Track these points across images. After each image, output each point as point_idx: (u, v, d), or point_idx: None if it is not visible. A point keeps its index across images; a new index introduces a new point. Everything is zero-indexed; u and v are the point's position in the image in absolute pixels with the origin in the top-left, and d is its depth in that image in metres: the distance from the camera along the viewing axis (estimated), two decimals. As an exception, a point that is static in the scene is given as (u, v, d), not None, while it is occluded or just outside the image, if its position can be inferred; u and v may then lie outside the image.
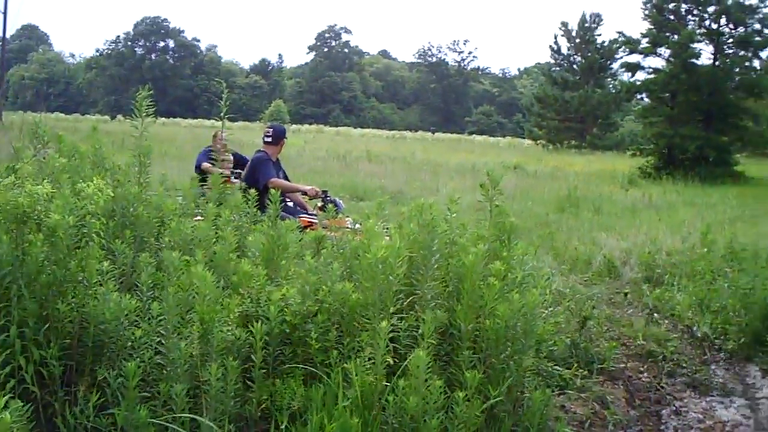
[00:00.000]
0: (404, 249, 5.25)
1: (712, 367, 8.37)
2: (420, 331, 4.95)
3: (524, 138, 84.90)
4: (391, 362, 4.95)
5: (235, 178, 10.37)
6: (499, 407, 5.27)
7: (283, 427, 4.81)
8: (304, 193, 10.27)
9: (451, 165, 34.12)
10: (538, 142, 73.72)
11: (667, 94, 46.38)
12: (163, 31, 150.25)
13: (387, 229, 6.25)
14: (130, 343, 4.75)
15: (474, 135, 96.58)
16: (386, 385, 4.85)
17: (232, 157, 12.29)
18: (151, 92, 6.37)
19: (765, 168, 44.23)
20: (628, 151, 51.34)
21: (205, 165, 12.30)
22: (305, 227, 8.49)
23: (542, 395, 5.31)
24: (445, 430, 4.78)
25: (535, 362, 6.03)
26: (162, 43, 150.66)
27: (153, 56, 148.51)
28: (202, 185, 9.79)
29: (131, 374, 4.44)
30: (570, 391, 7.04)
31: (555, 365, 7.34)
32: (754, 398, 7.83)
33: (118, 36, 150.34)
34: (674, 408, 7.34)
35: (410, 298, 5.38)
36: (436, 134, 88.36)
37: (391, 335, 4.94)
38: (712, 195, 27.56)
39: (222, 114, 8.22)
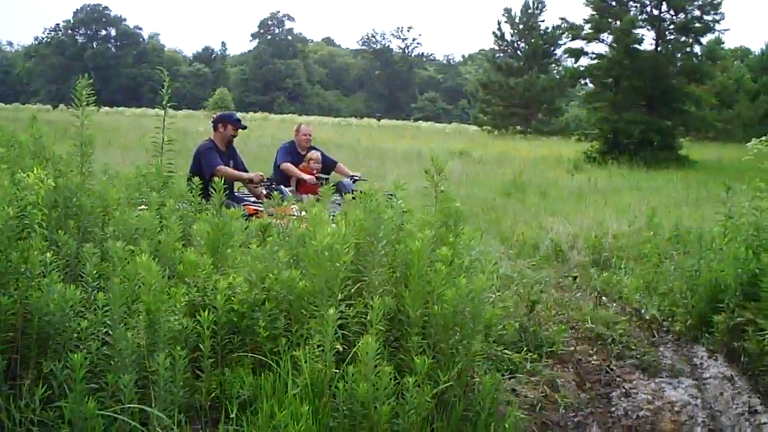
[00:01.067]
0: (350, 236, 5.25)
1: (661, 348, 8.45)
2: (368, 317, 4.95)
3: (470, 124, 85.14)
4: (341, 349, 4.94)
5: (323, 184, 10.02)
6: (450, 392, 5.27)
7: (233, 415, 4.78)
8: (250, 180, 10.22)
9: (397, 151, 34.15)
10: (484, 128, 73.95)
11: (611, 80, 46.72)
12: (104, 19, 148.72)
13: (333, 216, 6.24)
14: (75, 335, 4.70)
15: (420, 121, 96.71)
16: (336, 372, 4.85)
17: (319, 155, 12.18)
18: (91, 81, 6.31)
19: (708, 152, 44.76)
20: (573, 136, 51.81)
21: (285, 165, 11.83)
22: (251, 215, 8.45)
23: (492, 379, 5.32)
24: (396, 416, 4.78)
25: (484, 347, 6.05)
26: (103, 32, 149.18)
27: (94, 45, 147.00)
28: (272, 188, 9.81)
29: (78, 366, 4.38)
30: (520, 375, 7.06)
31: (504, 349, 7.36)
32: (701, 378, 7.92)
33: (58, 24, 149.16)
34: (624, 390, 7.40)
35: (358, 285, 5.37)
36: (381, 121, 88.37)
37: (339, 322, 4.94)
38: (657, 179, 27.82)
39: (164, 102, 8.13)
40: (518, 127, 72.26)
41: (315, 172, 11.78)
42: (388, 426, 4.71)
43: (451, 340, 5.29)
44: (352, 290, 5.30)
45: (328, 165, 12.45)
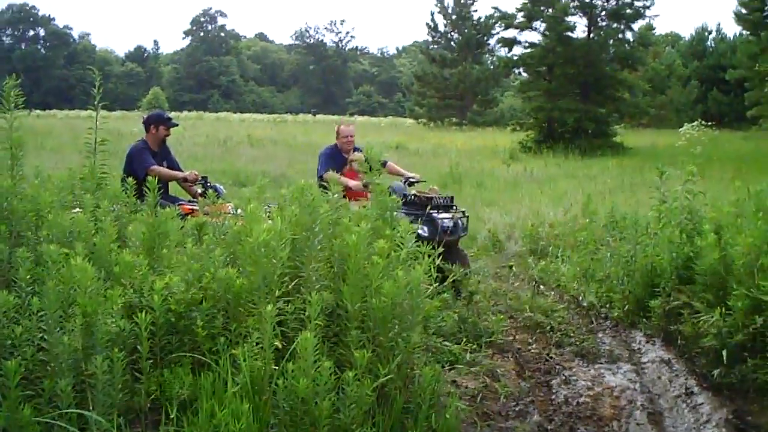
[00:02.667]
0: (286, 231, 5.25)
1: (599, 335, 8.56)
2: (307, 313, 4.95)
3: (405, 117, 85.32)
4: (280, 346, 4.94)
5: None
6: (390, 385, 5.29)
7: (173, 416, 4.76)
8: (185, 179, 10.14)
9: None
10: (420, 120, 74.09)
11: (545, 68, 47.17)
12: (32, 19, 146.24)
13: (269, 212, 6.23)
14: (9, 341, 4.64)
15: (355, 116, 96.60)
16: (275, 370, 4.85)
17: (362, 156, 10.54)
18: (19, 81, 6.24)
19: (642, 138, 45.31)
20: (509, 126, 52.01)
21: (329, 175, 10.14)
22: (186, 214, 8.40)
23: (432, 371, 5.34)
24: (337, 410, 4.79)
25: (423, 339, 6.08)
26: (32, 32, 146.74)
27: (23, 46, 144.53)
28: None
29: (12, 373, 4.33)
30: (460, 366, 7.12)
31: (444, 341, 7.41)
32: (639, 363, 8.03)
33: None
34: (564, 377, 7.49)
35: (295, 281, 5.38)
36: (317, 116, 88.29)
37: (278, 319, 4.94)
38: (592, 166, 28.11)
39: (96, 103, 8.07)
40: (454, 119, 72.47)
41: (361, 175, 10.69)
42: (330, 421, 4.71)
43: (391, 333, 5.31)
44: (290, 286, 5.30)
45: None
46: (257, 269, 5.03)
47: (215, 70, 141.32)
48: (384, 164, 10.09)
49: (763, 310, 7.22)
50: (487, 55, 79.15)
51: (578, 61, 44.30)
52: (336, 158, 10.86)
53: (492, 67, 73.50)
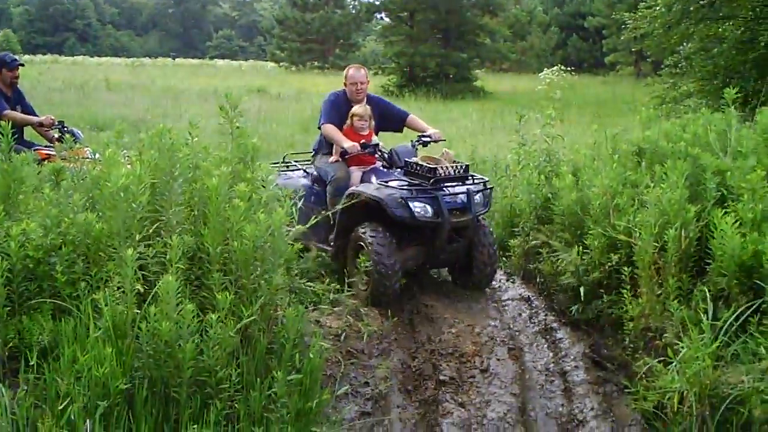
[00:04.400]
0: (146, 176, 5.19)
1: (461, 274, 8.68)
2: (168, 256, 4.93)
3: (267, 61, 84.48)
4: (141, 290, 4.91)
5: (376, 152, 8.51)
6: (254, 326, 5.31)
7: (33, 363, 4.70)
8: (40, 124, 9.86)
9: (193, 91, 33.65)
10: (281, 64, 73.45)
11: (406, 14, 47.30)
12: None
13: (128, 157, 6.15)
14: None
15: (216, 60, 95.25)
16: (138, 313, 4.82)
17: (365, 110, 8.77)
18: None
19: (503, 82, 45.92)
20: (371, 71, 52.12)
21: (327, 128, 8.79)
22: (42, 160, 8.23)
23: (296, 311, 5.37)
24: (201, 352, 4.80)
25: (286, 280, 6.10)
26: None
27: None
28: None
29: None
30: (324, 306, 7.16)
31: (307, 282, 7.44)
32: (500, 300, 8.22)
33: None
34: (426, 315, 7.61)
35: (156, 225, 5.33)
36: (177, 60, 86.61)
37: (139, 263, 4.91)
38: (454, 110, 28.39)
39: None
40: (316, 63, 72.10)
41: (364, 133, 8.62)
42: (194, 363, 4.72)
43: (253, 275, 5.32)
44: (151, 230, 5.25)
45: (393, 119, 9.32)
46: (117, 214, 4.98)
47: (71, 13, 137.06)
48: (404, 118, 9.20)
49: (618, 249, 7.44)
50: (348, 0, 78.87)
51: (440, 7, 44.58)
52: (341, 107, 8.88)
53: (354, 11, 73.34)
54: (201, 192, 5.49)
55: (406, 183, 7.68)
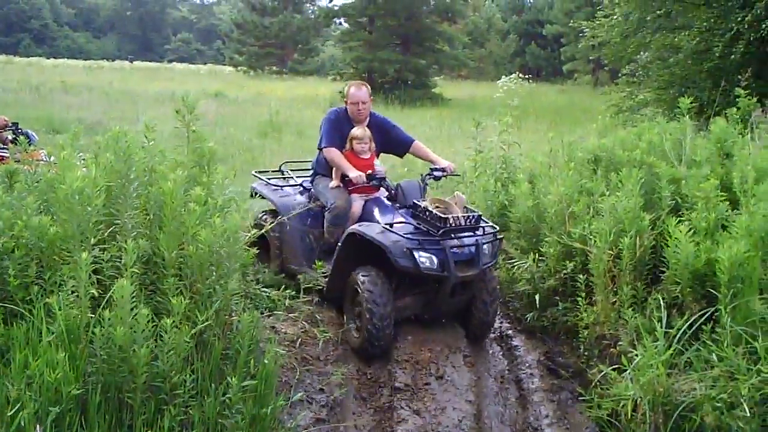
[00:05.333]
0: (101, 179, 5.15)
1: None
2: (123, 261, 4.89)
3: (225, 65, 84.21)
4: (96, 294, 4.87)
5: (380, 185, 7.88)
6: (209, 332, 5.29)
7: (-17, 368, 4.65)
8: (-10, 125, 9.77)
9: (150, 94, 33.48)
10: (240, 68, 73.20)
11: (365, 19, 47.29)
12: None
13: (83, 160, 6.10)
14: None
15: (174, 63, 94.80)
16: (92, 318, 4.77)
17: (365, 133, 8.15)
18: None
19: (461, 90, 46.10)
20: (329, 76, 52.19)
21: (329, 152, 8.08)
22: (-4, 162, 8.15)
23: (251, 317, 5.37)
24: (155, 358, 4.76)
25: (242, 286, 6.09)
26: None
27: None
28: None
29: None
30: (279, 312, 7.15)
31: (263, 287, 7.42)
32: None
33: None
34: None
35: (111, 228, 5.29)
36: (134, 63, 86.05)
37: (93, 267, 4.87)
38: (412, 116, 28.42)
39: None
40: (274, 68, 71.96)
41: (365, 157, 8.07)
42: (148, 368, 4.68)
43: (208, 280, 5.31)
44: (106, 234, 5.22)
45: (397, 144, 8.58)
46: (71, 217, 4.93)
47: (26, 13, 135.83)
48: (409, 145, 8.50)
49: (574, 256, 7.51)
50: (308, 4, 78.72)
51: (399, 13, 44.64)
52: (342, 127, 8.25)
53: (313, 16, 73.29)
54: (156, 196, 5.46)
55: (413, 227, 7.07)
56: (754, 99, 10.19)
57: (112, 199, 5.36)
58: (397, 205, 7.56)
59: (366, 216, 7.69)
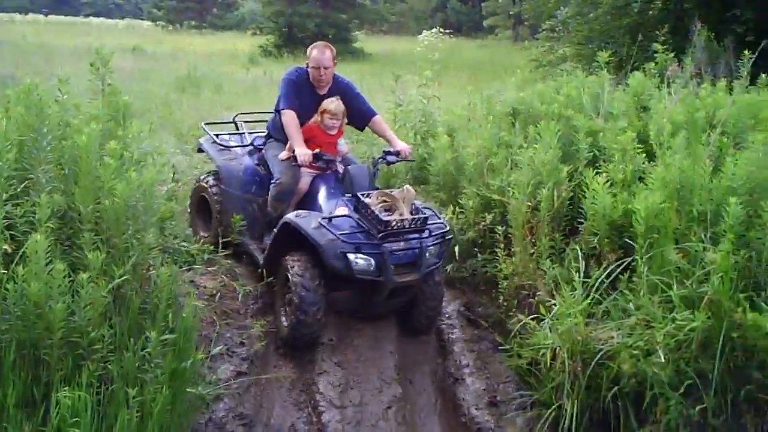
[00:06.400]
0: (13, 133, 5.05)
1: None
2: (37, 216, 4.81)
3: (144, 20, 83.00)
4: (9, 250, 4.79)
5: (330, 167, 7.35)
6: (126, 286, 5.24)
7: None
8: None
9: (66, 48, 32.80)
10: (158, 23, 72.20)
11: (285, -27, 46.89)
12: None
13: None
14: None
15: (91, 17, 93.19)
16: (5, 274, 4.69)
17: (338, 106, 7.39)
18: None
19: (382, 45, 45.93)
20: (249, 31, 51.72)
21: (288, 116, 7.29)
22: None
23: (168, 271, 5.32)
24: (72, 313, 4.70)
25: (160, 240, 6.03)
26: None
27: None
28: None
29: None
30: (198, 266, 7.11)
31: (182, 242, 7.37)
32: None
33: None
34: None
35: (24, 184, 5.19)
36: (49, 17, 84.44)
37: (6, 222, 4.79)
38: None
39: None
40: (193, 22, 71.01)
41: (332, 133, 7.43)
42: (65, 324, 4.63)
43: (125, 234, 5.24)
44: (18, 189, 5.12)
45: (357, 115, 7.75)
46: (-19, 172, 4.84)
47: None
48: (369, 119, 7.78)
49: (493, 208, 7.57)
50: (226, -42, 77.84)
51: (318, -34, 44.34)
52: (303, 90, 7.50)
53: (231, -30, 72.51)
54: (71, 150, 5.36)
55: (354, 222, 6.46)
56: (671, 54, 10.33)
57: (24, 154, 5.26)
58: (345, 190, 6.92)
59: (311, 194, 7.21)
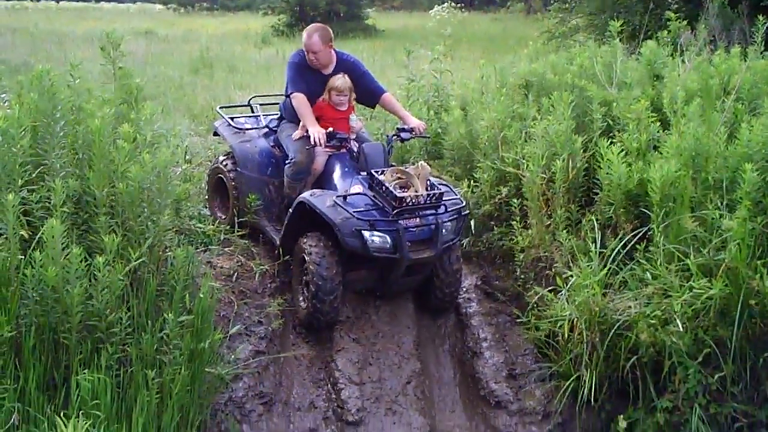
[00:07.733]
0: (26, 119, 5.07)
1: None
2: (52, 201, 4.83)
3: (155, 3, 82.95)
4: (26, 235, 4.81)
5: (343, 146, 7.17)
6: (143, 269, 5.28)
7: None
8: None
9: (78, 34, 32.79)
10: (169, 6, 72.09)
11: (294, -49, 46.75)
12: None
13: (8, 101, 5.99)
14: None
15: (102, 2, 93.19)
16: (22, 259, 4.71)
17: (346, 83, 7.37)
18: None
19: (394, 20, 45.82)
20: (260, 11, 51.58)
21: (298, 99, 7.27)
22: None
23: (185, 252, 5.34)
24: (90, 297, 4.73)
25: (175, 221, 6.06)
26: None
27: None
28: None
29: None
30: (214, 247, 7.12)
31: (198, 223, 7.38)
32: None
33: None
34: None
35: (39, 169, 5.20)
36: (60, 3, 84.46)
37: (22, 208, 4.80)
38: (345, 49, 27.56)
39: None
40: (205, 4, 70.93)
41: (342, 109, 7.40)
42: (83, 308, 4.66)
43: (140, 217, 5.27)
44: (33, 175, 5.13)
45: (366, 93, 7.69)
46: (-3, 158, 4.86)
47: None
48: (379, 96, 7.70)
49: (508, 181, 7.55)
50: (236, -62, 77.61)
51: (329, -56, 44.18)
52: (307, 72, 7.47)
53: (242, -51, 72.31)
54: (84, 134, 5.37)
55: (369, 200, 6.42)
56: (684, 22, 10.26)
57: (38, 140, 5.27)
58: (359, 168, 6.88)
59: (327, 173, 7.18)
